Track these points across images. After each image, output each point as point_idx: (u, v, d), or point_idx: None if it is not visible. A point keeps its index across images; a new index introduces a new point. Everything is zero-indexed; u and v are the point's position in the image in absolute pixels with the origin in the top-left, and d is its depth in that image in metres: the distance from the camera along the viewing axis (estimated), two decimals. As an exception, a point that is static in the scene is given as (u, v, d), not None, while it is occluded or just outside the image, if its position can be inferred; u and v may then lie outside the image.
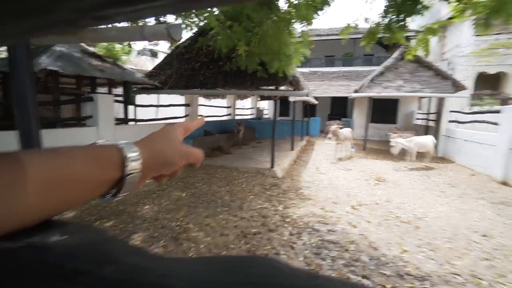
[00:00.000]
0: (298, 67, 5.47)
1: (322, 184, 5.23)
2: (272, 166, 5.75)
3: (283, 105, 13.81)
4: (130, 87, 6.22)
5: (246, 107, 16.12)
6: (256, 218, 3.50)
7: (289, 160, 6.99)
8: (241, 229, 3.18)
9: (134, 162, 0.29)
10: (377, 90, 9.34)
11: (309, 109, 12.90)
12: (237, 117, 12.90)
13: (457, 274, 2.48)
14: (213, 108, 11.37)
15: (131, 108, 6.46)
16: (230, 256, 0.83)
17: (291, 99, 5.70)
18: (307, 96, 5.60)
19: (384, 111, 12.96)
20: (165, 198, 4.12)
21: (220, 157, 7.12)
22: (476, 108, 10.33)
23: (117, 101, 5.65)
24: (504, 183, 5.71)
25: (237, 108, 13.57)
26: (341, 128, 7.74)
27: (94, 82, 5.87)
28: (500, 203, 4.49)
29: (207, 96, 10.36)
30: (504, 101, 10.42)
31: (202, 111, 10.82)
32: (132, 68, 7.41)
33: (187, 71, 6.23)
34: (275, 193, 4.54)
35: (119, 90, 7.44)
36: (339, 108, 15.86)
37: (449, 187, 5.45)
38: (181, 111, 8.69)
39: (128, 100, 6.19)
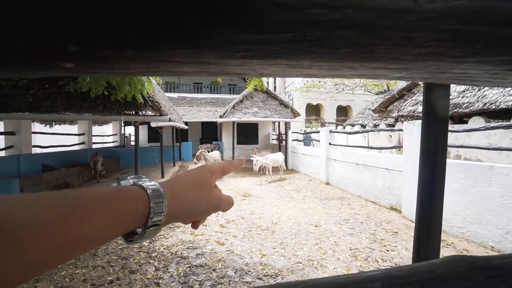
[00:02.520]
0: (167, 92, 5.36)
1: (193, 209, 5.21)
2: (137, 198, 5.16)
3: (153, 131, 12.99)
4: None
5: (106, 133, 13.93)
6: (114, 263, 2.98)
7: (158, 189, 6.53)
8: (92, 281, 2.60)
9: (158, 215, 0.26)
10: (238, 116, 10.65)
11: (180, 134, 12.80)
12: (95, 146, 10.88)
13: (299, 262, 3.08)
14: (58, 137, 9.06)
15: None
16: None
17: (153, 124, 5.46)
18: (169, 121, 5.56)
19: (247, 133, 14.85)
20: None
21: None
22: (308, 130, 13.76)
23: None
24: (327, 183, 7.80)
25: (95, 136, 11.48)
26: (211, 151, 8.14)
27: None
28: (325, 199, 6.07)
29: (45, 122, 8.17)
30: (323, 124, 14.50)
31: (38, 140, 8.38)
32: None
33: (3, 89, 4.71)
34: (140, 228, 4.07)
35: None
36: (210, 132, 16.73)
37: (296, 192, 6.82)
38: (-3, 142, 6.37)
39: None
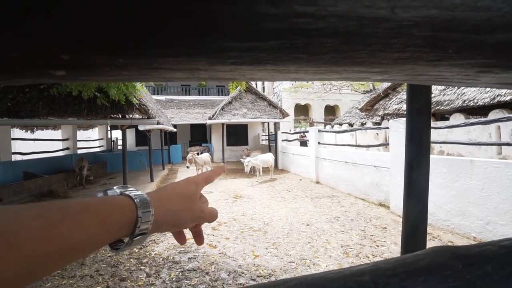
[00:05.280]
0: (154, 94, 5.28)
1: (184, 212, 5.16)
2: (126, 204, 5.06)
3: (141, 134, 12.77)
4: None
5: (92, 138, 13.56)
6: (103, 271, 2.91)
7: (148, 193, 6.42)
8: (80, 291, 2.53)
9: (145, 224, 0.27)
10: (228, 117, 10.63)
11: (169, 137, 12.63)
12: (80, 151, 10.57)
13: (292, 262, 3.11)
14: (40, 143, 8.74)
15: None
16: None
17: (141, 127, 5.37)
18: (158, 124, 5.49)
19: (237, 135, 14.83)
20: None
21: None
22: (297, 129, 13.89)
23: None
24: (318, 182, 7.90)
25: (80, 140, 11.16)
26: (200, 153, 8.08)
27: None
28: (316, 198, 6.15)
29: (26, 128, 7.87)
30: (312, 124, 14.66)
31: (18, 146, 8.05)
32: None
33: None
34: (129, 234, 3.99)
35: None
36: (199, 134, 16.58)
37: (286, 192, 6.87)
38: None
39: None
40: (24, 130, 8.80)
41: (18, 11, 0.17)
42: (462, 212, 3.69)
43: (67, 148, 9.91)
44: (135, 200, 0.27)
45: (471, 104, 6.32)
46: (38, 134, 9.16)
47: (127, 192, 0.28)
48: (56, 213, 0.22)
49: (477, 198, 3.50)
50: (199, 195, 0.36)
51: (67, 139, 9.98)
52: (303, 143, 9.51)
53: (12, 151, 7.07)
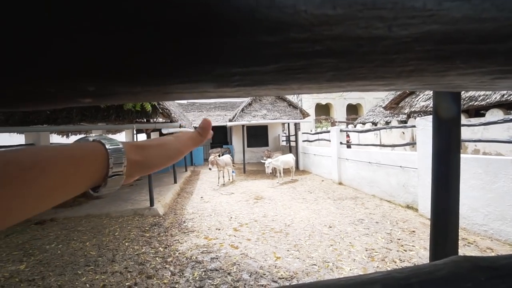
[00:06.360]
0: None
1: (206, 213, 5.28)
2: (151, 204, 5.30)
3: (164, 137, 13.28)
4: None
5: (120, 142, 14.32)
6: (131, 268, 3.06)
7: (171, 194, 6.66)
8: (111, 286, 2.69)
9: (118, 166, 0.29)
10: (248, 119, 10.70)
11: (191, 139, 12.99)
12: (108, 154, 11.20)
13: (314, 264, 3.06)
14: (73, 147, 9.41)
15: None
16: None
17: (164, 131, 5.59)
18: (180, 127, 5.68)
19: (257, 136, 14.88)
20: (-12, 279, 2.93)
21: (85, 205, 5.87)
22: (318, 130, 13.64)
23: None
24: (340, 184, 7.70)
25: (108, 144, 11.84)
26: (221, 155, 8.23)
27: None
28: (338, 199, 6.00)
29: (62, 133, 8.52)
30: (333, 123, 14.32)
31: (56, 151, 8.71)
32: None
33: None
34: (155, 234, 4.17)
35: None
36: (220, 136, 16.87)
37: (308, 193, 6.77)
38: (20, 154, 6.67)
39: None
40: (61, 136, 9.53)
41: (54, 57, 0.20)
42: (503, 217, 3.41)
43: (99, 152, 10.55)
44: (106, 145, 0.29)
45: (511, 99, 5.82)
46: (73, 139, 9.87)
47: (99, 139, 0.30)
48: (27, 158, 0.23)
49: (519, 201, 3.21)
50: (188, 151, 0.38)
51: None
52: (348, 147, 8.33)
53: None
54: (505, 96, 5.93)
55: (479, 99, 6.48)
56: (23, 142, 6.94)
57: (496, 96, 6.11)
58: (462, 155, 3.77)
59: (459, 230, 1.14)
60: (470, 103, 6.65)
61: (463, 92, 7.00)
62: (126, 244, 3.78)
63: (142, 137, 15.32)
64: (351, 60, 0.22)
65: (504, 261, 0.38)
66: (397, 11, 0.19)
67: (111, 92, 0.23)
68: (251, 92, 0.26)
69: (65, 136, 9.63)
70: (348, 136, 8.45)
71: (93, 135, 0.33)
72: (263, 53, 0.20)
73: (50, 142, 7.92)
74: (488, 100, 6.26)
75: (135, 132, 14.23)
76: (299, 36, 0.19)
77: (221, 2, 0.17)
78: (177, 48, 0.19)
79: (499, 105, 6.23)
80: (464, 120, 6.14)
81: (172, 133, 0.43)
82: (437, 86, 0.28)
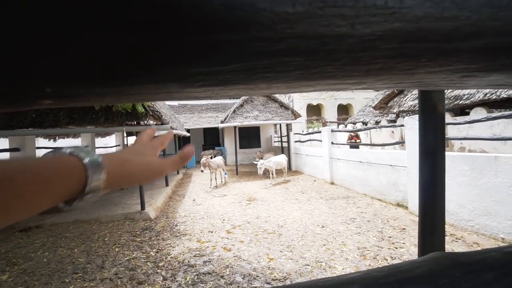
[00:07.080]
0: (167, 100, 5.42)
1: (198, 216, 5.23)
2: (142, 208, 5.21)
3: (155, 140, 13.11)
4: None
5: (110, 145, 14.08)
6: (121, 274, 3.00)
7: (163, 198, 6.58)
8: (101, 294, 2.63)
9: (96, 181, 0.27)
10: (239, 120, 10.69)
11: (182, 141, 12.88)
12: (98, 158, 10.97)
13: (308, 264, 3.07)
14: (61, 151, 9.18)
15: None
16: None
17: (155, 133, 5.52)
18: (171, 129, 5.62)
19: (249, 137, 14.87)
20: (-30, 290, 2.82)
21: (72, 210, 5.72)
22: (310, 130, 13.74)
23: None
24: (332, 183, 7.76)
25: (98, 147, 11.62)
26: (214, 157, 8.18)
27: None
28: (331, 199, 6.04)
29: (49, 137, 8.30)
30: (324, 124, 14.46)
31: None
32: None
33: (9, 108, 4.79)
34: (146, 238, 4.10)
35: None
36: (212, 138, 16.79)
37: (300, 194, 6.80)
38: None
39: None
40: (47, 139, 9.28)
41: (12, 57, 0.19)
42: (488, 212, 3.50)
43: (88, 156, 10.32)
44: (84, 160, 0.27)
45: (494, 97, 6.00)
46: (60, 142, 9.63)
47: (76, 153, 0.28)
48: None
49: (504, 197, 3.31)
50: (156, 155, 0.36)
51: (86, 146, 10.40)
52: (354, 147, 7.92)
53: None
54: (487, 95, 6.12)
55: (464, 98, 6.67)
56: (7, 147, 6.72)
57: (479, 95, 6.30)
58: (449, 153, 3.86)
59: (447, 226, 1.16)
60: (455, 102, 6.83)
61: (448, 91, 7.17)
62: (116, 249, 3.70)
63: (132, 139, 15.07)
64: (317, 59, 0.21)
65: (480, 256, 0.39)
66: (358, 9, 0.18)
67: (71, 94, 0.23)
68: (220, 93, 0.26)
69: (52, 140, 9.39)
70: (357, 136, 8.25)
71: (69, 146, 0.30)
72: (223, 52, 0.19)
73: (36, 146, 7.70)
74: (472, 99, 6.44)
75: (125, 135, 14.00)
76: (260, 35, 0.18)
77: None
78: (136, 47, 0.18)
79: (482, 103, 6.42)
80: (449, 118, 6.29)
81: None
82: (408, 84, 0.29)
